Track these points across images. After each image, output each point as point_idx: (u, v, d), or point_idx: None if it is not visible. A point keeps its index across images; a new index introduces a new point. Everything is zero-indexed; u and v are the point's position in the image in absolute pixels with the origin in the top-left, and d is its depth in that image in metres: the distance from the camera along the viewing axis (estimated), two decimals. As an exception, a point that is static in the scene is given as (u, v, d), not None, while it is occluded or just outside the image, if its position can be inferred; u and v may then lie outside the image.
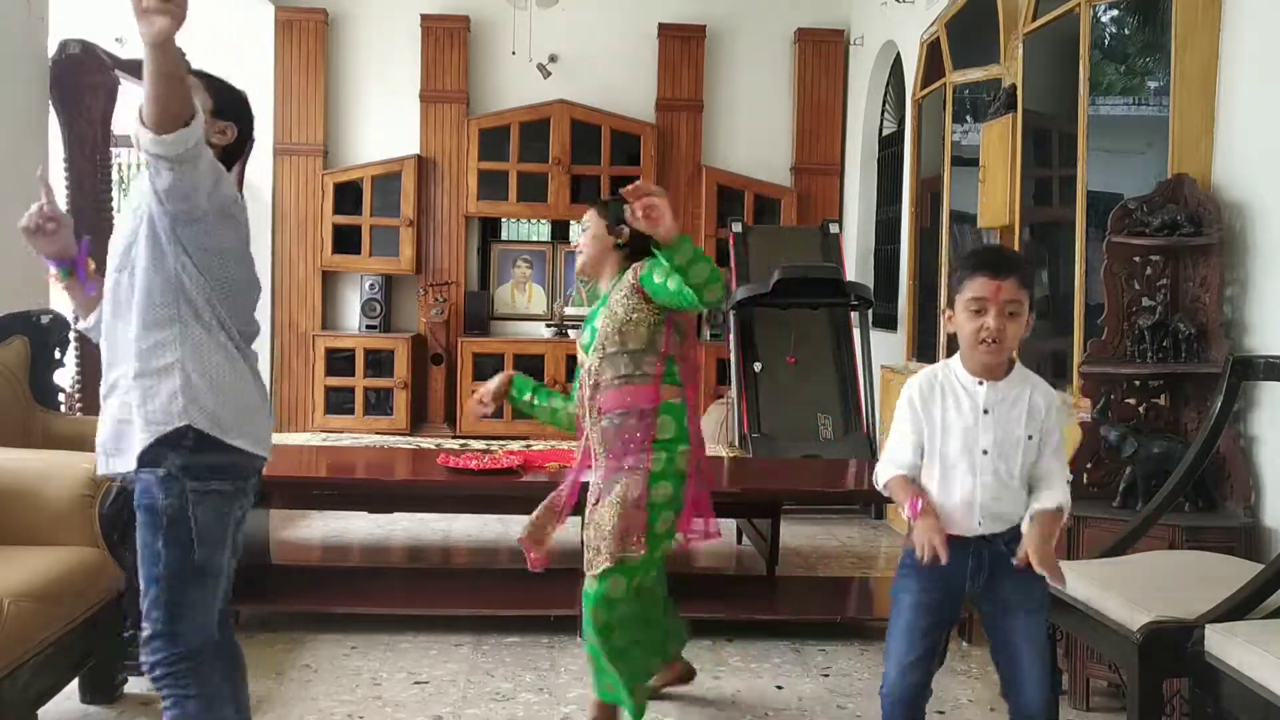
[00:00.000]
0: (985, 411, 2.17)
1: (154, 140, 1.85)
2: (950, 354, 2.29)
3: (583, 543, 2.79)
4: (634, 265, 2.78)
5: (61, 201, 4.27)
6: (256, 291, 2.19)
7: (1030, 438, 2.18)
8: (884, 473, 2.27)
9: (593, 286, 2.96)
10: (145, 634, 2.03)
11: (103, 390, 2.09)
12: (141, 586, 2.03)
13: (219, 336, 2.06)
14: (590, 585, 2.70)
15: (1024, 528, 2.17)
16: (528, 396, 2.96)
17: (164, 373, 2.01)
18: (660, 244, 2.52)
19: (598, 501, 2.73)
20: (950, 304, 2.24)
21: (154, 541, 2.01)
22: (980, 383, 2.19)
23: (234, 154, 2.22)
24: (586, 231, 2.86)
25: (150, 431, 1.99)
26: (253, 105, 2.27)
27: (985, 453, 2.16)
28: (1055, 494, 2.17)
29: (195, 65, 2.23)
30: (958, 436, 2.18)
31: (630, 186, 2.46)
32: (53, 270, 2.18)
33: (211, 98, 2.15)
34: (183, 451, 2.00)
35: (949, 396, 2.21)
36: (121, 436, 2.04)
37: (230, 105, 2.20)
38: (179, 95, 1.85)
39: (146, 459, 2.00)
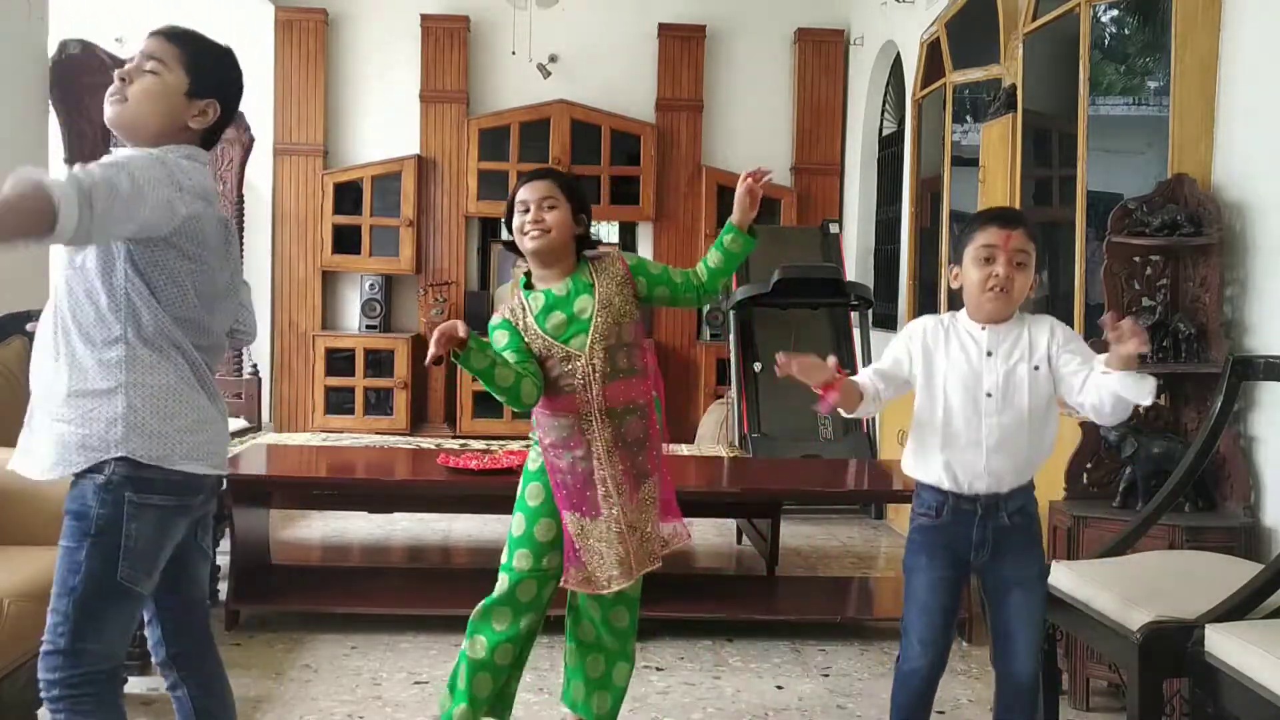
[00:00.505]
0: (989, 354, 2.20)
1: (38, 241, 1.65)
2: (952, 309, 2.33)
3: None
4: (615, 256, 2.61)
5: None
6: (220, 301, 2.01)
7: (1036, 369, 2.20)
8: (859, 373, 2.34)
9: (538, 276, 2.59)
10: (44, 649, 1.87)
11: (32, 382, 1.93)
12: (52, 596, 1.88)
13: (171, 355, 1.90)
14: (634, 589, 2.62)
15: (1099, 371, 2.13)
16: (485, 360, 2.42)
17: (106, 396, 1.86)
18: (739, 224, 2.56)
19: (631, 500, 2.55)
20: (956, 259, 2.27)
21: (77, 550, 1.85)
22: (984, 328, 2.23)
23: (219, 127, 2.01)
24: (553, 210, 2.52)
25: (85, 456, 1.85)
26: (239, 63, 2.07)
27: (989, 395, 2.19)
28: (1099, 361, 2.14)
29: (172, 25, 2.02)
30: (961, 379, 2.21)
31: (758, 171, 2.53)
32: None
33: (186, 74, 1.94)
34: (124, 465, 1.86)
35: (953, 341, 2.25)
36: (40, 442, 1.89)
37: (209, 80, 1.97)
38: (18, 224, 1.59)
39: (83, 470, 1.86)
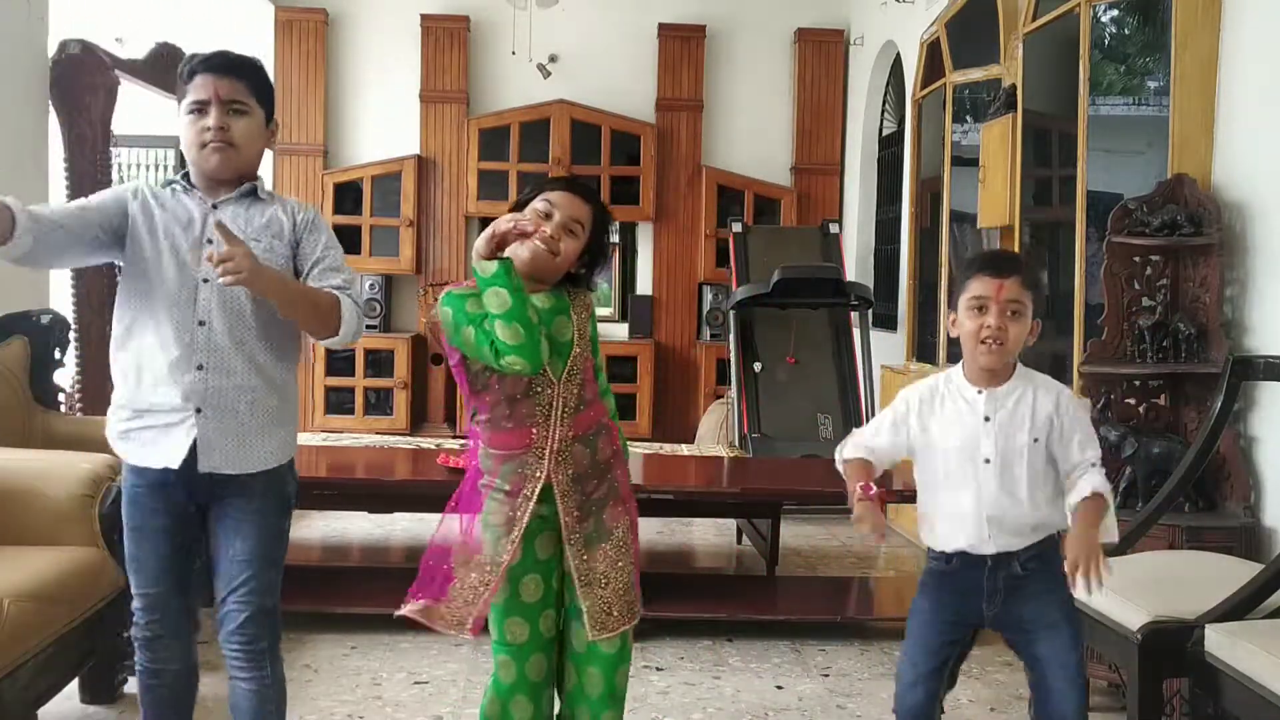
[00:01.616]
0: (986, 419, 2.12)
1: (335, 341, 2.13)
2: (951, 354, 2.29)
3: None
4: (587, 296, 2.28)
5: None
6: None
7: (1035, 441, 2.11)
8: (848, 449, 2.24)
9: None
10: (262, 607, 2.23)
11: (216, 382, 2.10)
12: (253, 567, 2.21)
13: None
14: (609, 646, 2.18)
15: (1070, 524, 2.10)
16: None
17: (293, 406, 2.25)
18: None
19: (590, 545, 2.18)
20: (953, 306, 2.20)
21: (282, 522, 2.25)
22: (980, 392, 2.14)
23: None
24: (572, 238, 2.17)
25: (288, 447, 2.23)
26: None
27: (987, 461, 2.11)
28: (1089, 480, 2.08)
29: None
30: (958, 446, 2.14)
31: None
32: None
33: (261, 106, 2.13)
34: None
35: (949, 405, 2.17)
36: (250, 439, 2.15)
37: (272, 105, 2.18)
38: (313, 319, 2.08)
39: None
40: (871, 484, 2.13)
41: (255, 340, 2.12)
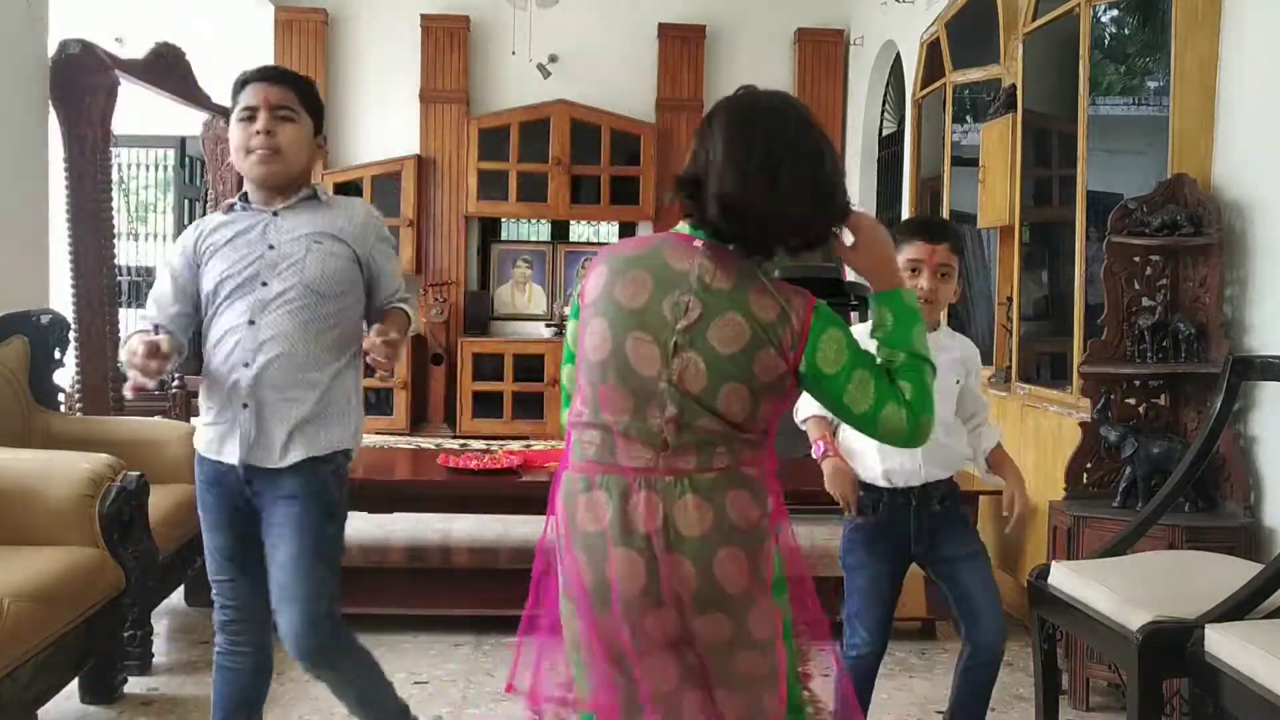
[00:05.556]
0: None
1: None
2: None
3: None
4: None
5: (61, 201, 4.28)
6: None
7: (958, 382, 2.41)
8: (805, 408, 2.43)
9: None
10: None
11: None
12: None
13: None
14: None
15: (984, 464, 2.52)
16: None
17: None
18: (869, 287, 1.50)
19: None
20: None
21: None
22: None
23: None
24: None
25: None
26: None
27: None
28: (993, 431, 2.51)
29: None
30: None
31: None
32: None
33: (313, 120, 2.20)
34: None
35: None
36: None
37: (321, 118, 2.25)
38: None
39: None
40: (827, 444, 2.37)
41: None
